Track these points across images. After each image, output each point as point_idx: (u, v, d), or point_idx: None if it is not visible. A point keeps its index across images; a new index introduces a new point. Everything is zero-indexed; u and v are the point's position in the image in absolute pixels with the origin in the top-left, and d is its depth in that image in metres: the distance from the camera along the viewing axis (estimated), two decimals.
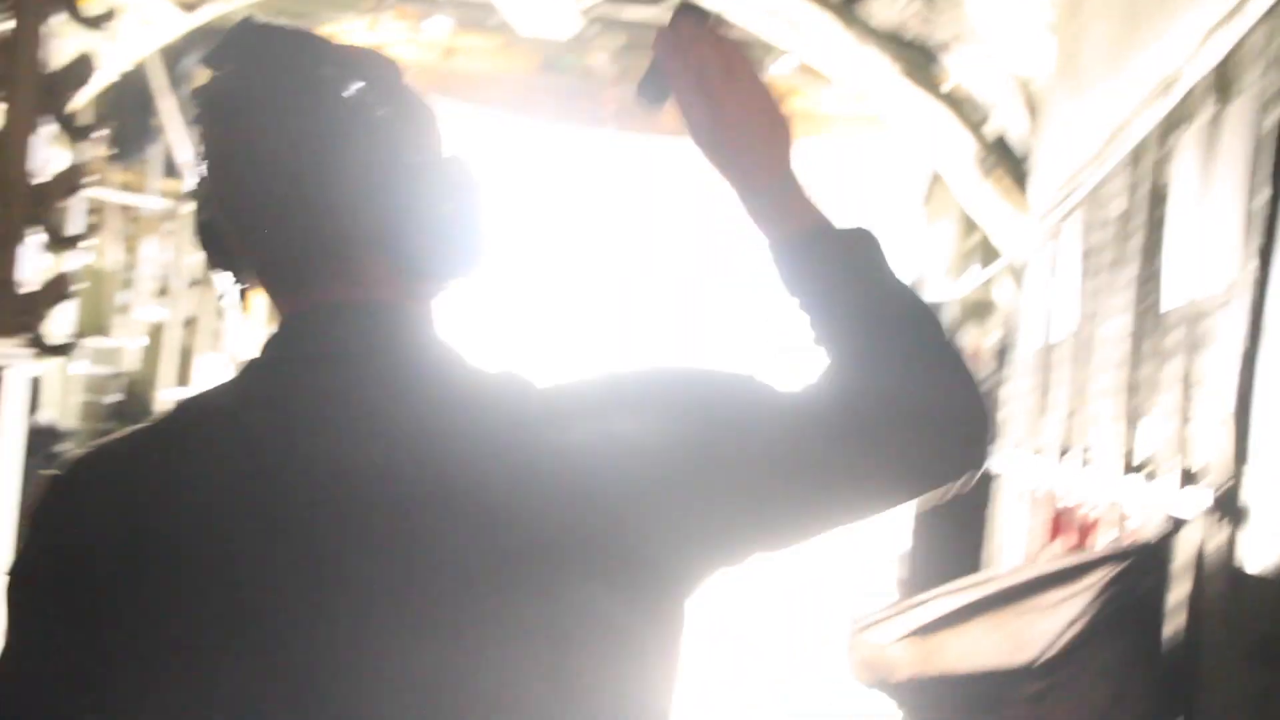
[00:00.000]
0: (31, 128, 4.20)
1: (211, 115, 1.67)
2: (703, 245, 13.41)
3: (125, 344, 10.93)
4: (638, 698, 1.58)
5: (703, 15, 1.87)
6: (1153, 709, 3.29)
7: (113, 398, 10.64)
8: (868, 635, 3.65)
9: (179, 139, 11.24)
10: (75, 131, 4.28)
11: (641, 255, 13.60)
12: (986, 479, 7.04)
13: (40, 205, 4.25)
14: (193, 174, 1.73)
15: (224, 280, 1.78)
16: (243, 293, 1.82)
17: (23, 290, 4.24)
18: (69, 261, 4.40)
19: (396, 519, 1.53)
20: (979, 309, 10.87)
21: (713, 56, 1.82)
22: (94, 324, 10.68)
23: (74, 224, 4.20)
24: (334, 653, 1.50)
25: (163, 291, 11.59)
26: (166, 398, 11.34)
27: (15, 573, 1.61)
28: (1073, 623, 3.25)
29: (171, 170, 11.44)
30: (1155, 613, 3.31)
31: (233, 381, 1.70)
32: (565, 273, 13.57)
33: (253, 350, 1.71)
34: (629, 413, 1.58)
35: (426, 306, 1.70)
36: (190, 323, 11.87)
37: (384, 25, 11.36)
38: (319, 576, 1.53)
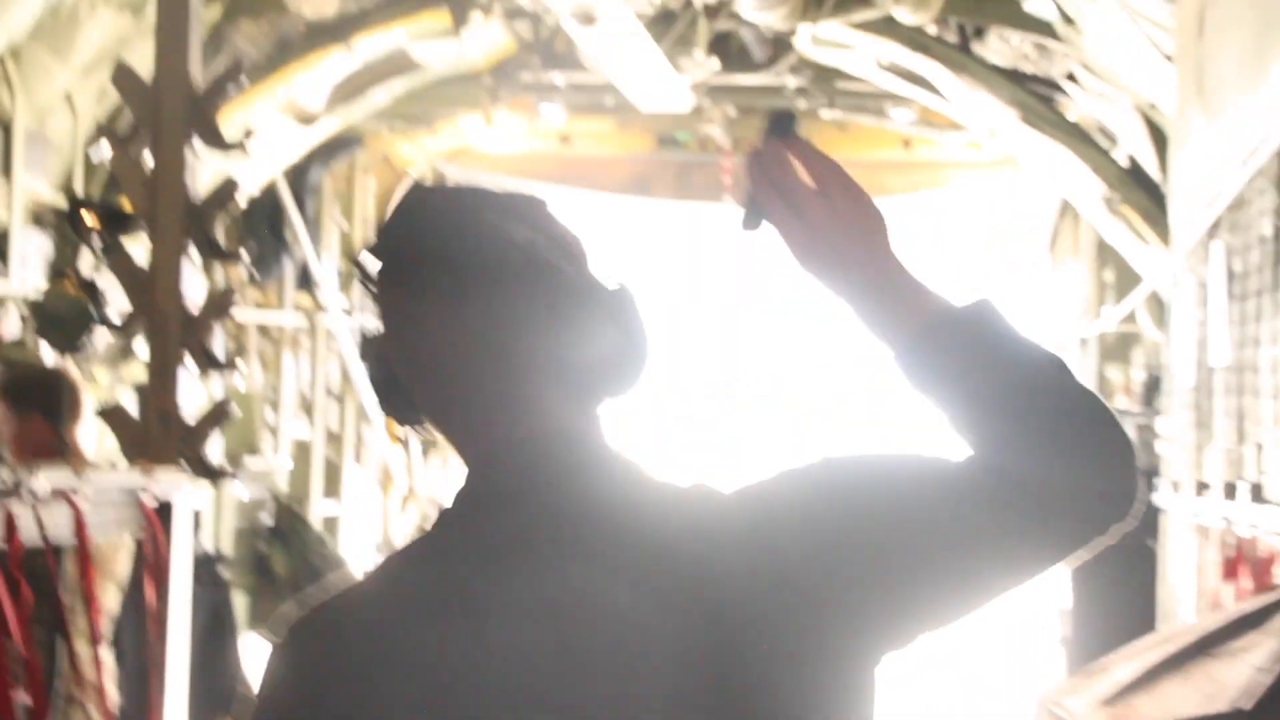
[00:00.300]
0: (179, 256, 4.28)
1: (390, 276, 1.78)
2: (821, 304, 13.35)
3: (275, 463, 11.09)
4: None
5: (789, 122, 1.87)
6: None
7: (267, 519, 10.77)
8: (1059, 708, 3.56)
9: (310, 253, 11.45)
10: (220, 256, 4.36)
11: (766, 318, 13.56)
12: (1151, 517, 6.89)
13: (192, 332, 4.33)
14: (364, 331, 1.86)
15: (401, 422, 1.84)
16: (424, 441, 1.88)
17: (183, 418, 4.31)
18: (222, 385, 4.47)
19: (619, 640, 1.66)
20: (1122, 344, 10.70)
21: (794, 173, 1.82)
22: (245, 445, 10.84)
23: (222, 348, 4.27)
24: None
25: (305, 407, 11.76)
26: (318, 513, 11.47)
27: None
28: (1266, 667, 3.14)
29: (305, 284, 11.63)
30: None
31: (437, 530, 1.78)
32: (697, 344, 13.56)
33: (431, 487, 1.82)
34: (812, 509, 1.70)
35: (598, 424, 1.79)
36: (334, 437, 12.02)
37: (500, 119, 11.50)
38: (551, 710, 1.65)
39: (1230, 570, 5.08)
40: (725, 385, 13.75)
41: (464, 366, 1.75)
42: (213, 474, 4.32)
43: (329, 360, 11.97)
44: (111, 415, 4.34)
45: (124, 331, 4.34)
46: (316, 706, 1.69)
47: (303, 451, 11.57)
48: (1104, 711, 3.30)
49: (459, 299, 1.73)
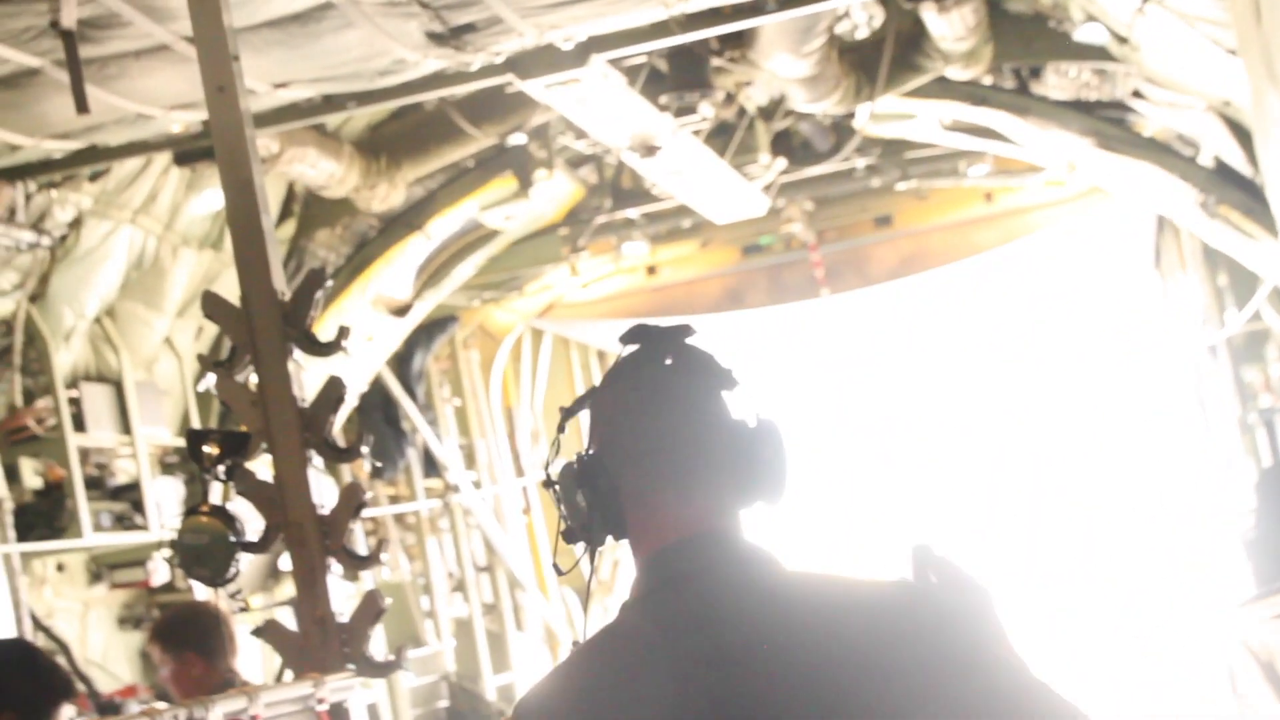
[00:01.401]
0: (302, 464, 4.31)
1: (622, 399, 2.35)
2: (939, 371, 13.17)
3: (440, 646, 11.10)
4: None
5: (926, 552, 2.28)
6: None
7: (443, 703, 10.77)
8: (1251, 612, 3.41)
9: (430, 437, 11.53)
10: (340, 456, 4.38)
11: (894, 397, 13.41)
12: None
13: (330, 535, 4.34)
14: (566, 467, 2.34)
15: (589, 543, 2.36)
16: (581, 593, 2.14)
17: (340, 621, 4.31)
18: (369, 581, 4.47)
19: (766, 693, 2.19)
20: (1253, 344, 10.46)
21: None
22: (406, 635, 10.87)
23: (363, 544, 4.27)
24: None
25: (456, 586, 11.77)
26: (491, 686, 11.44)
27: None
28: None
29: (431, 469, 11.70)
30: None
31: (630, 608, 2.30)
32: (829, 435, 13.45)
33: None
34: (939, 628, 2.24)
35: (743, 524, 2.35)
36: (490, 609, 12.01)
37: (584, 266, 11.57)
38: None
39: None
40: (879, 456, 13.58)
41: (672, 474, 2.31)
42: (381, 669, 4.31)
43: (470, 536, 12.00)
44: (269, 632, 4.35)
45: (264, 548, 4.36)
46: None
47: (464, 629, 11.58)
48: None
49: (676, 421, 2.32)
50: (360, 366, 9.99)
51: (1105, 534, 12.74)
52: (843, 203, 11.48)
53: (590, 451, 2.34)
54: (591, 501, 2.32)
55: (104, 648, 8.37)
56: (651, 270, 12.21)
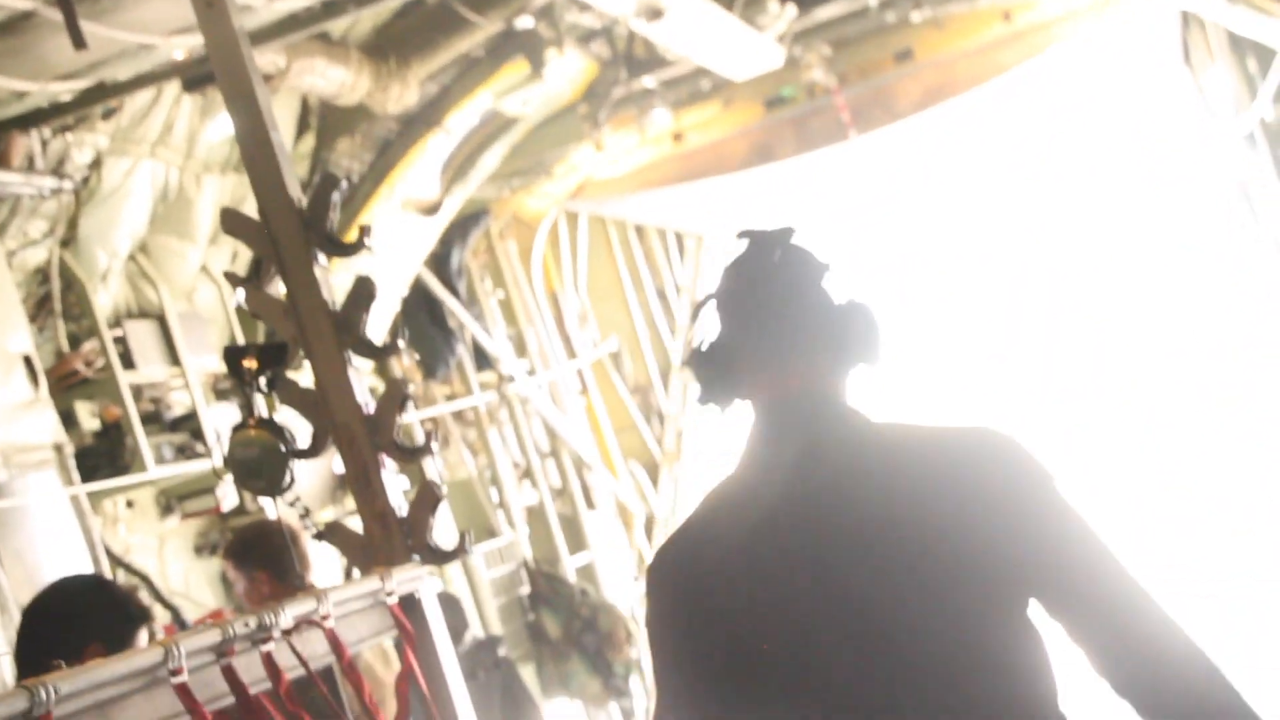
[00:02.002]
0: (342, 366, 4.32)
1: (740, 282, 2.89)
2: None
3: (513, 536, 11.21)
4: (1021, 661, 2.60)
5: None
6: None
7: (525, 589, 10.90)
8: None
9: (479, 331, 11.55)
10: (378, 352, 4.39)
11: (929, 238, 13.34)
12: None
13: (379, 432, 4.36)
14: (696, 342, 2.90)
15: (706, 403, 2.92)
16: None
17: (399, 514, 4.34)
18: (427, 472, 4.50)
19: (874, 546, 2.63)
20: None
21: None
22: (481, 530, 10.98)
23: (413, 436, 4.29)
24: (857, 642, 2.60)
25: (524, 475, 11.86)
26: (570, 567, 11.56)
27: (647, 629, 2.87)
28: None
29: (483, 363, 11.74)
30: None
31: (742, 458, 2.85)
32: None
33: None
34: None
35: (847, 384, 2.87)
36: (560, 493, 12.11)
37: (609, 142, 11.50)
38: (838, 596, 2.63)
39: None
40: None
41: (780, 340, 2.84)
42: (445, 556, 4.34)
43: (531, 424, 12.06)
44: (332, 534, 4.39)
45: (315, 453, 4.38)
46: (679, 613, 2.78)
47: (536, 516, 11.69)
48: None
49: (788, 296, 2.85)
50: (398, 269, 10.00)
51: (1137, 360, 12.65)
52: (860, 42, 11.32)
53: (715, 336, 2.90)
54: (712, 375, 2.89)
55: (184, 577, 8.51)
56: (677, 137, 12.10)
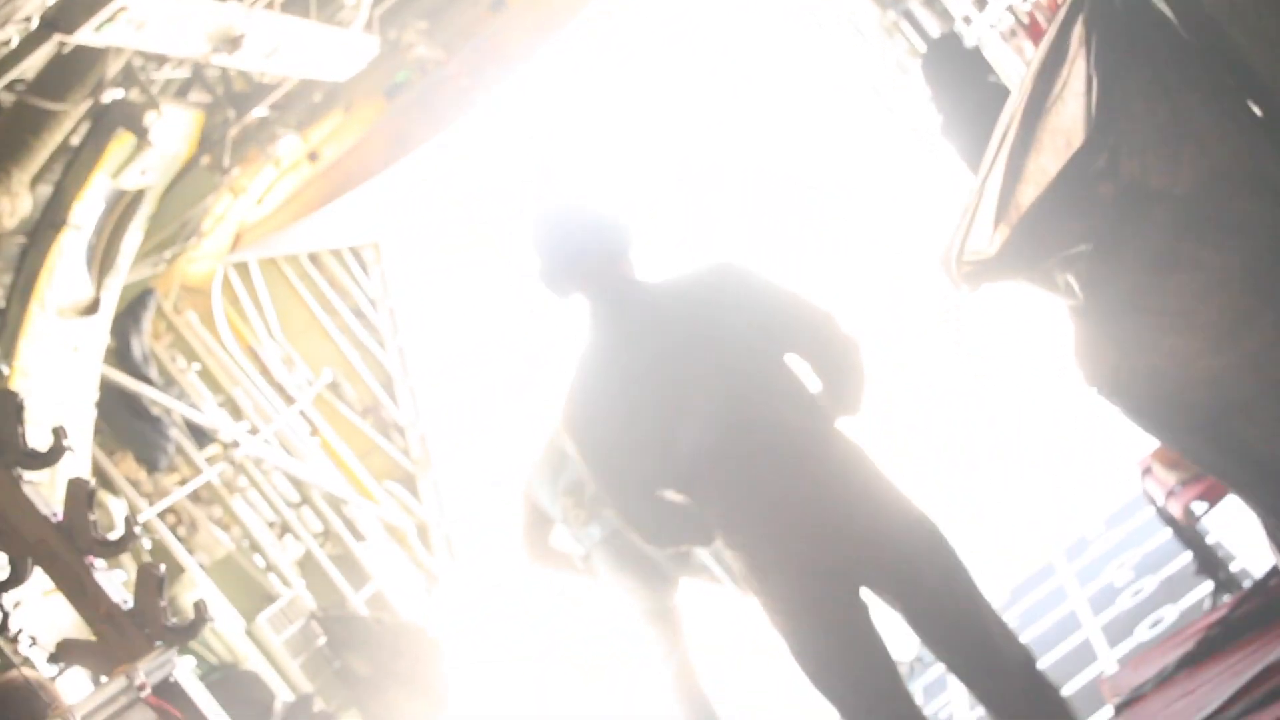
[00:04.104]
0: (14, 485, 4.17)
1: (553, 214, 4.65)
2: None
3: (292, 593, 11.02)
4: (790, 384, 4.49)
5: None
6: None
7: (321, 640, 10.72)
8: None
9: (185, 410, 11.26)
10: (46, 459, 4.24)
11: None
12: None
13: (77, 536, 4.23)
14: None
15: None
16: None
17: (126, 608, 4.22)
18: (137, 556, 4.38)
19: (688, 351, 4.38)
20: None
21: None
22: (258, 597, 10.78)
23: (114, 528, 4.17)
24: (701, 399, 4.38)
25: (283, 532, 11.64)
26: (359, 602, 11.39)
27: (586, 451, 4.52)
28: None
29: (203, 439, 11.47)
30: None
31: (595, 333, 4.46)
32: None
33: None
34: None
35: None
36: (325, 534, 11.89)
37: (246, 184, 11.26)
38: (680, 380, 4.39)
39: None
40: None
41: (592, 250, 4.50)
42: (187, 633, 4.24)
43: (273, 480, 11.84)
44: (67, 652, 4.25)
45: (21, 578, 4.23)
46: (602, 425, 4.42)
47: (310, 564, 11.51)
48: (999, 229, 3.28)
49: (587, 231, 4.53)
50: (76, 377, 9.68)
51: None
52: (452, 5, 11.29)
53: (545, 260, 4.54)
54: (558, 280, 4.51)
55: None
56: (313, 156, 11.92)
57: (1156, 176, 2.94)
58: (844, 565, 4.25)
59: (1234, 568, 6.04)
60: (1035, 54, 3.31)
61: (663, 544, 4.64)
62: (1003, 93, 5.98)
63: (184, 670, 4.20)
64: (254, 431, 11.88)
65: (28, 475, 4.23)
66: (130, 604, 4.19)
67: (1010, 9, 5.33)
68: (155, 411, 11.01)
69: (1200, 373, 3.10)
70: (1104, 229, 3.03)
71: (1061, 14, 3.19)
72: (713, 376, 4.32)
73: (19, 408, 4.24)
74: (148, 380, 11.09)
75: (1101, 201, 3.04)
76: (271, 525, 11.60)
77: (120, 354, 10.97)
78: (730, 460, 4.31)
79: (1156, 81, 2.96)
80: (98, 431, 10.13)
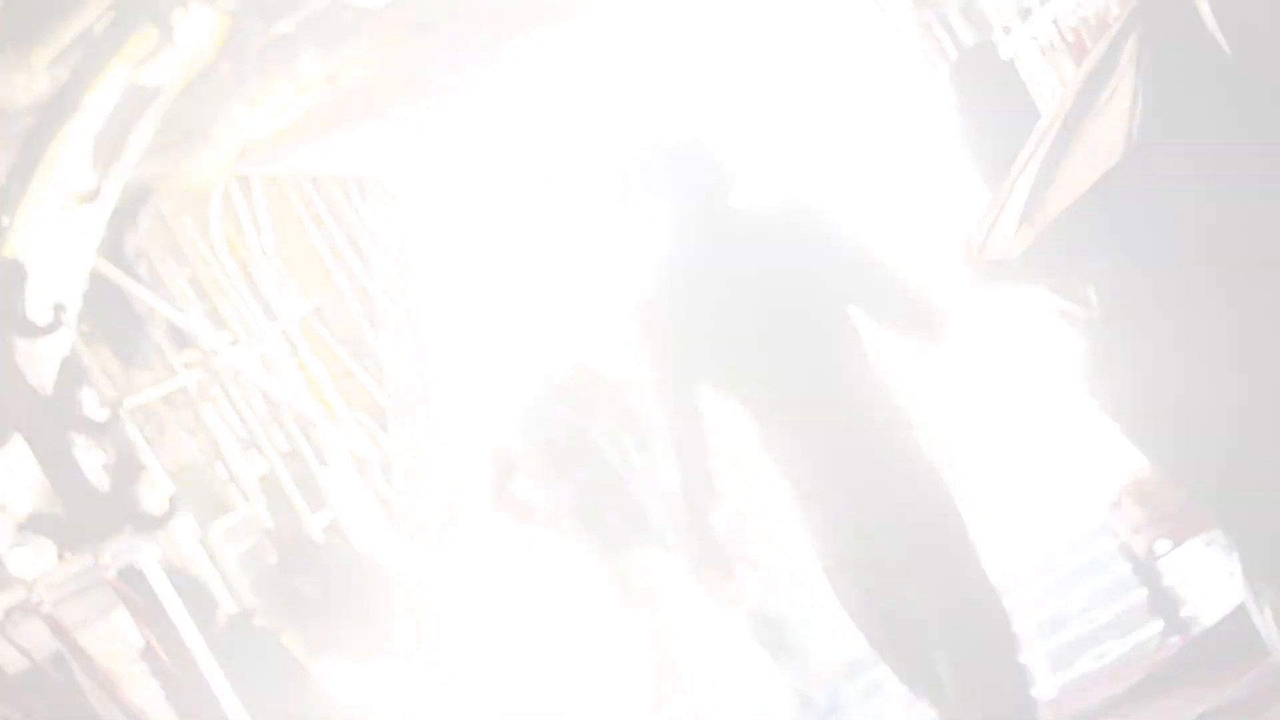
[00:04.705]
0: (8, 352, 4.18)
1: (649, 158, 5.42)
2: None
3: (251, 507, 11.04)
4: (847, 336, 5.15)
5: None
6: None
7: (271, 557, 10.73)
8: (981, 247, 3.58)
9: (170, 312, 11.24)
10: (42, 330, 4.24)
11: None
12: None
13: (64, 410, 4.24)
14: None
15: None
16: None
17: (103, 490, 4.23)
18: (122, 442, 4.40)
19: (763, 271, 5.07)
20: None
21: None
22: (216, 506, 10.78)
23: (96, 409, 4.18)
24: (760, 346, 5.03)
25: (250, 446, 11.63)
26: (315, 525, 11.42)
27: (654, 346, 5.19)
28: (1133, 101, 3.14)
29: (183, 343, 11.46)
30: None
31: (664, 248, 5.25)
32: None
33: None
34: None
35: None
36: (290, 454, 11.90)
37: (264, 98, 11.23)
38: (753, 299, 5.06)
39: None
40: None
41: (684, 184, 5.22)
42: (157, 522, 4.26)
43: (247, 394, 11.84)
44: (39, 522, 4.27)
45: None
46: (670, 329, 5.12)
47: (271, 482, 11.52)
48: (1022, 229, 3.32)
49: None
50: (71, 263, 9.64)
51: None
52: None
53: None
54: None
55: None
56: (332, 79, 11.87)
57: (1189, 202, 2.98)
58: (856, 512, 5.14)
59: (1184, 612, 6.11)
60: (1084, 63, 3.34)
61: (675, 438, 5.12)
62: (1032, 112, 5.99)
63: (150, 559, 4.22)
64: (235, 343, 11.87)
65: (21, 345, 4.24)
66: (107, 487, 4.21)
67: (1055, 23, 5.37)
68: (139, 309, 10.99)
69: (1212, 401, 3.17)
70: (1131, 247, 3.07)
71: (1115, 28, 3.23)
72: (773, 313, 4.85)
73: (22, 276, 4.25)
74: (136, 277, 11.07)
75: (1131, 219, 3.09)
76: (239, 439, 11.59)
77: (113, 247, 10.94)
78: (772, 379, 4.85)
79: (1202, 109, 3.00)
80: (80, 320, 10.10)
